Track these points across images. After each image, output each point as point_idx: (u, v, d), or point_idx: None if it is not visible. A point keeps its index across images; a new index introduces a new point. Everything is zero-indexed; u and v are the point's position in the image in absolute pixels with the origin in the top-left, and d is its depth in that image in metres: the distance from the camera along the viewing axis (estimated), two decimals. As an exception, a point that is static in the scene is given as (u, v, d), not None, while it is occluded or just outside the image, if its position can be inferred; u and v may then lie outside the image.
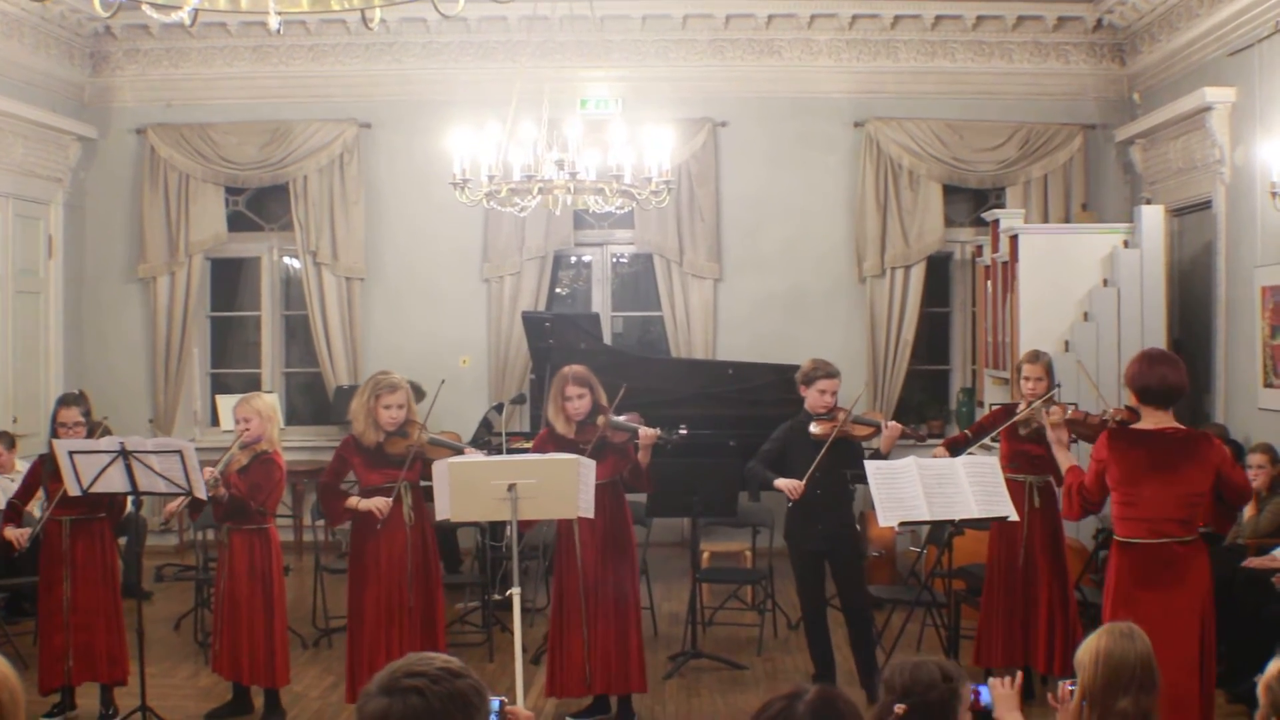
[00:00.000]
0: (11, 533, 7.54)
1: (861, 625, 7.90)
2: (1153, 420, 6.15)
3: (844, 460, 7.61)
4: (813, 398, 7.84)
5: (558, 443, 7.35)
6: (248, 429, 7.39)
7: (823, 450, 7.57)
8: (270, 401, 7.71)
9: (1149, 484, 6.05)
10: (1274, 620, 7.32)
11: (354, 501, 7.32)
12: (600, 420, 7.33)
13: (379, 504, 7.21)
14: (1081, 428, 7.00)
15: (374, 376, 7.56)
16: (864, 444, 7.91)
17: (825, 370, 7.87)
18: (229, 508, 7.32)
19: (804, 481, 7.57)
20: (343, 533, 12.03)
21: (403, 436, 7.32)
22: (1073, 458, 6.78)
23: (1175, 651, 5.94)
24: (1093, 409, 7.32)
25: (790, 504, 7.79)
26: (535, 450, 7.48)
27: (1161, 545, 6.03)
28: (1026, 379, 7.78)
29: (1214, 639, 6.17)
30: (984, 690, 3.70)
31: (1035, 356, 7.91)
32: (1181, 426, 6.22)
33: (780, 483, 7.67)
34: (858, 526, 8.02)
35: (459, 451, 7.37)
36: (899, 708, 3.46)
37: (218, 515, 7.49)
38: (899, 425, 7.79)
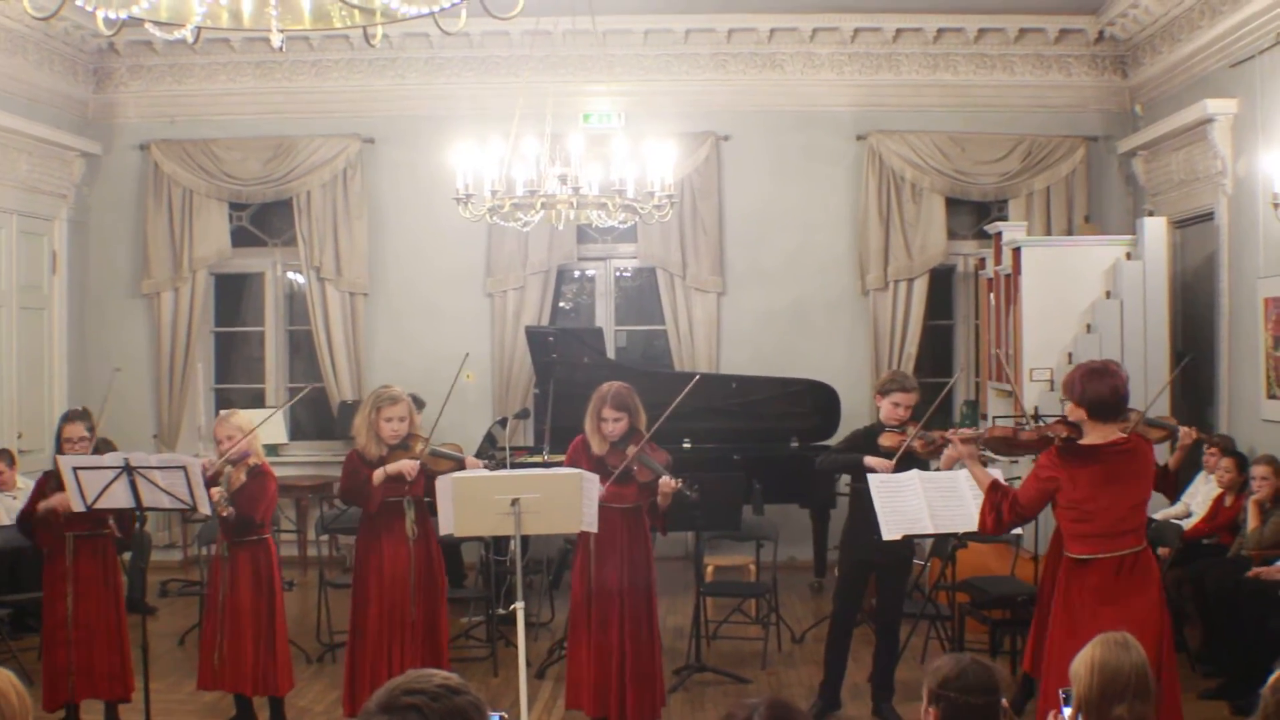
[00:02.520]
0: (47, 501, 7.32)
1: (891, 639, 7.87)
2: (1100, 434, 6.03)
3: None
4: (886, 409, 7.74)
5: (590, 458, 7.28)
6: (230, 446, 7.36)
7: (893, 461, 7.50)
8: (247, 416, 7.68)
9: (1104, 498, 5.95)
10: (1277, 632, 7.31)
11: (379, 474, 7.26)
12: (630, 450, 7.23)
13: (405, 466, 7.22)
14: (1009, 445, 6.76)
15: (375, 390, 7.59)
16: (931, 461, 7.84)
17: (900, 384, 7.78)
18: (237, 525, 7.31)
19: (894, 461, 7.45)
20: (347, 547, 12.06)
21: (405, 449, 7.32)
22: (990, 473, 6.61)
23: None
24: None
25: (851, 511, 7.73)
26: (568, 460, 7.42)
27: (1119, 558, 5.96)
28: None
29: (1171, 642, 6.13)
30: None
31: None
32: (1124, 435, 6.17)
33: (871, 460, 7.54)
34: (913, 542, 7.91)
35: (461, 463, 7.35)
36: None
37: (226, 534, 7.48)
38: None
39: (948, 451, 6.86)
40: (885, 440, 7.68)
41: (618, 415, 7.24)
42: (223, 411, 7.82)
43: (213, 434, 7.68)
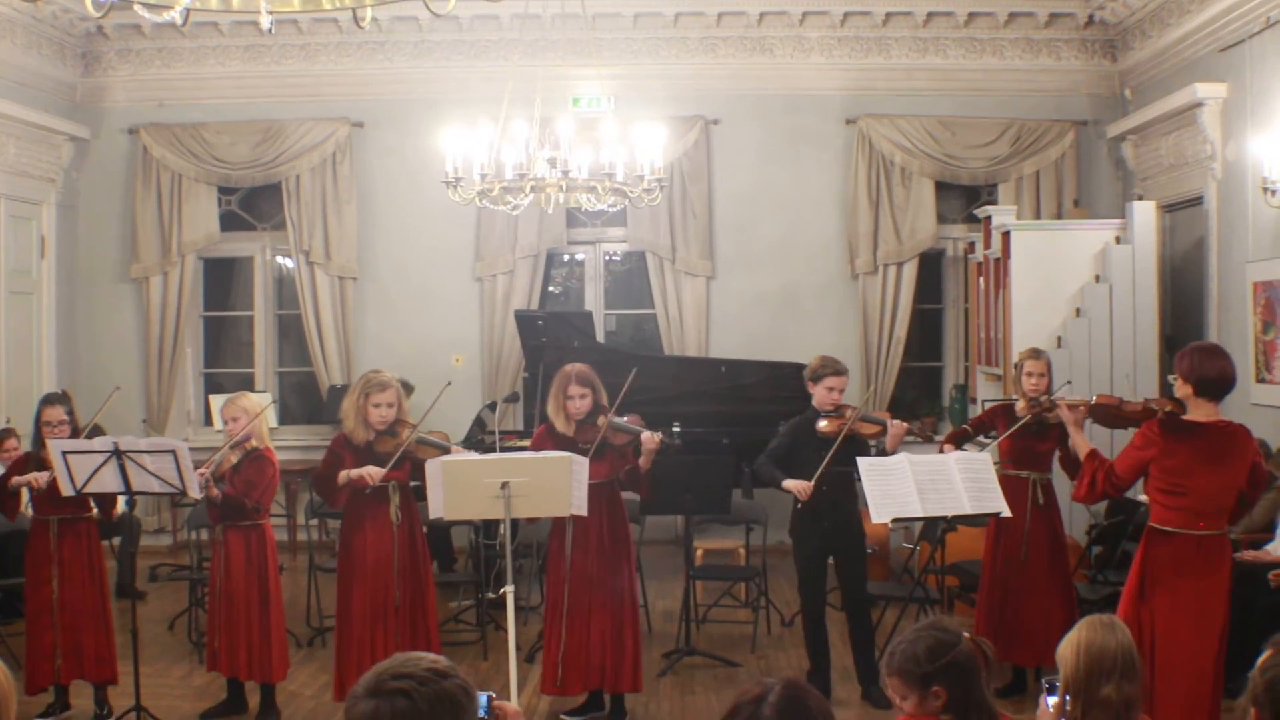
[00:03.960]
0: (19, 479, 7.38)
1: (863, 622, 7.91)
2: (1204, 412, 6.19)
3: (850, 458, 7.56)
4: (820, 395, 7.80)
5: (557, 440, 7.34)
6: (234, 428, 7.39)
7: (834, 447, 7.53)
8: (256, 400, 7.69)
9: (1200, 475, 6.11)
10: (1266, 614, 7.33)
11: (343, 475, 7.28)
12: (601, 421, 7.29)
13: (369, 472, 7.20)
14: (1114, 413, 6.94)
15: (365, 375, 7.57)
16: (871, 442, 7.90)
17: (833, 368, 7.83)
18: (225, 507, 7.33)
19: (813, 482, 7.54)
20: (337, 531, 12.06)
21: (392, 436, 7.32)
22: (1090, 442, 6.78)
23: (1202, 637, 6.04)
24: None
25: (797, 502, 7.78)
26: (533, 447, 7.47)
27: (1202, 536, 6.13)
28: (1029, 375, 7.79)
29: (1228, 625, 6.25)
30: None
31: (1037, 353, 7.94)
32: (1225, 420, 6.26)
33: (789, 484, 7.63)
34: (861, 524, 8.00)
35: (446, 451, 7.31)
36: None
37: (214, 516, 7.49)
38: (904, 424, 7.77)
39: (1065, 415, 7.06)
40: (824, 426, 7.72)
41: (583, 391, 7.34)
42: (232, 394, 7.83)
43: (221, 414, 7.72)
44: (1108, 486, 6.39)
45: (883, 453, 7.67)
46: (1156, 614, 6.08)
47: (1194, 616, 6.08)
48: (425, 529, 9.64)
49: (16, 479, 7.41)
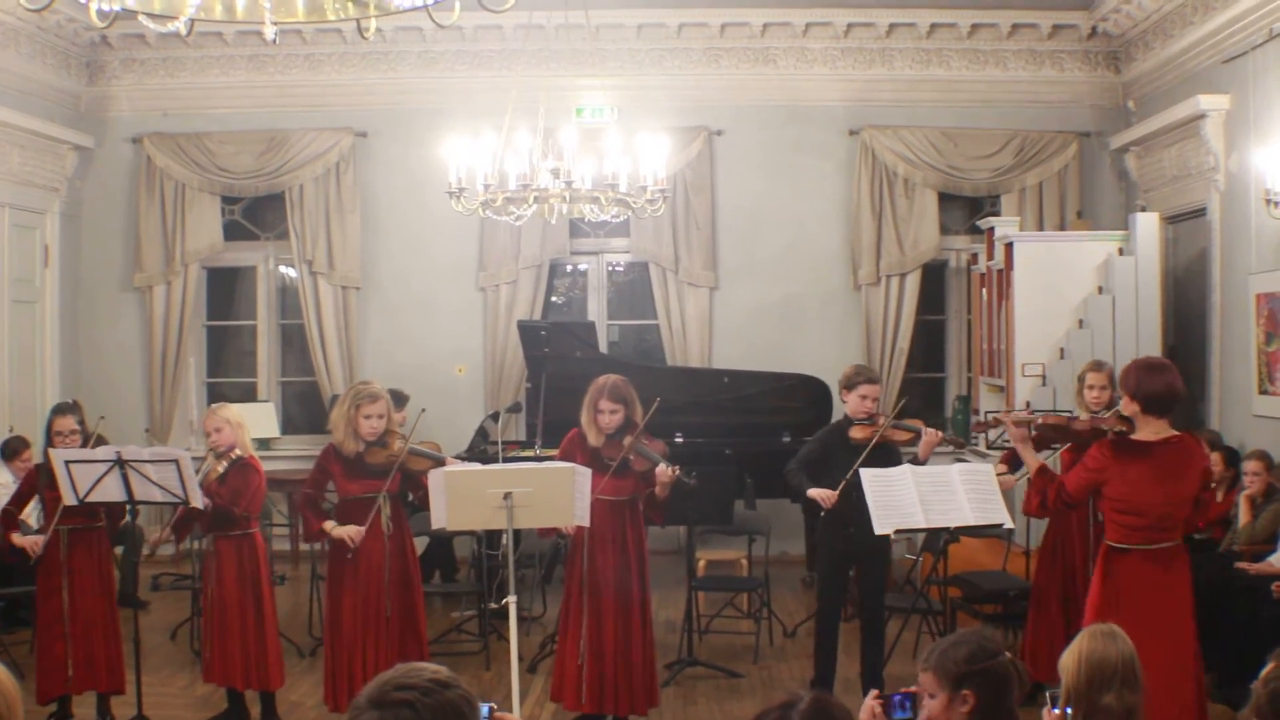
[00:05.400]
0: (21, 540, 7.48)
1: (875, 632, 7.88)
2: (1152, 429, 6.11)
3: (881, 465, 7.52)
4: (854, 403, 7.77)
5: (584, 450, 7.30)
6: (219, 439, 7.39)
7: (863, 454, 7.52)
8: (238, 410, 7.68)
9: (1153, 493, 6.03)
10: (1269, 626, 7.32)
11: (329, 526, 7.27)
12: (626, 441, 7.24)
13: (351, 533, 7.18)
14: (1062, 433, 6.93)
15: (354, 386, 7.58)
16: (903, 449, 7.88)
17: (867, 375, 7.84)
18: (214, 517, 7.32)
19: (838, 491, 7.50)
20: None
21: (382, 447, 7.29)
22: (1039, 457, 6.72)
23: (1173, 651, 5.97)
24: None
25: (823, 509, 7.78)
26: (561, 453, 7.44)
27: (1158, 550, 6.07)
28: (1090, 387, 7.80)
29: (1197, 633, 6.20)
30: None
31: (1099, 365, 7.94)
32: (1176, 433, 6.22)
33: (814, 492, 7.58)
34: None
35: (440, 462, 7.26)
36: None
37: (203, 526, 7.49)
38: (938, 432, 7.75)
39: (1012, 432, 6.98)
40: (856, 433, 7.71)
41: (614, 407, 7.25)
42: (213, 405, 7.83)
43: (202, 426, 7.71)
44: (1059, 503, 6.35)
45: (915, 461, 7.64)
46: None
47: (1164, 638, 5.96)
48: (427, 539, 9.73)
49: (17, 539, 7.50)
